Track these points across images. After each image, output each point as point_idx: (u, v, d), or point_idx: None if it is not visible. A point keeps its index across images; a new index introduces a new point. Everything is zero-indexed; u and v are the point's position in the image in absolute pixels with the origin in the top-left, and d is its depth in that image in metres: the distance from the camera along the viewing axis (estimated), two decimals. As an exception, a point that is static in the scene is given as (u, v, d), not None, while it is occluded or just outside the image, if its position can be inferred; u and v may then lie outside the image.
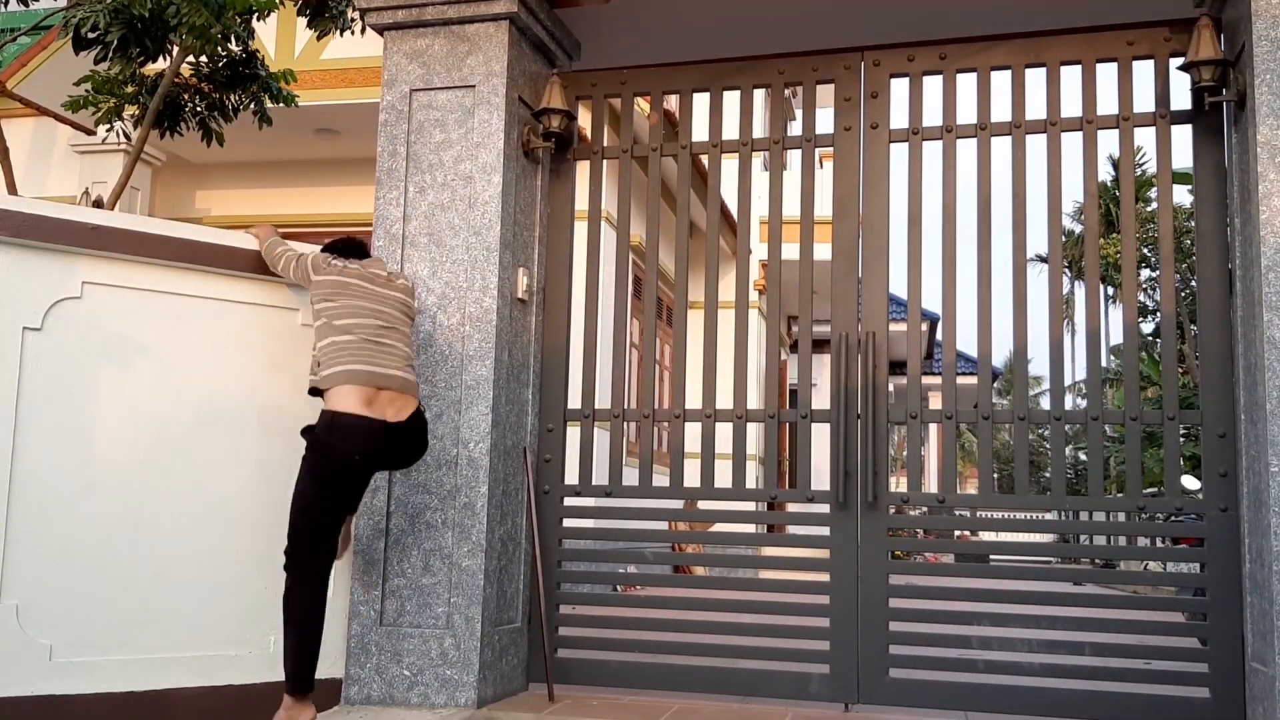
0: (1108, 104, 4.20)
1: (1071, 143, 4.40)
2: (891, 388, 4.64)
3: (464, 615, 4.06)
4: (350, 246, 3.91)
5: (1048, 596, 4.16)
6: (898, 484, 6.65)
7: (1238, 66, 3.92)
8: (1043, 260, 27.76)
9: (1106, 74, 4.44)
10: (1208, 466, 3.97)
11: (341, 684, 4.09)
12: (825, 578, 4.25)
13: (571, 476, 4.64)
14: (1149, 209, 21.17)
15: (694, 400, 4.64)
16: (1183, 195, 18.93)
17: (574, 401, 4.65)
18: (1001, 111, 4.31)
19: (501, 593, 4.25)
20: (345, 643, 4.12)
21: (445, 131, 4.42)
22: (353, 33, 6.01)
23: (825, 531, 4.29)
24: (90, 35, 5.02)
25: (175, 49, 5.55)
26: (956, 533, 9.65)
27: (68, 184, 9.31)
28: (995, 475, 5.06)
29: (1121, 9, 4.20)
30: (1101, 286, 12.50)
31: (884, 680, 4.12)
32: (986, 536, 16.38)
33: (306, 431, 3.62)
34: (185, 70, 5.97)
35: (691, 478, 4.50)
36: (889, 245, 4.40)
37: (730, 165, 8.39)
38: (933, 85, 4.45)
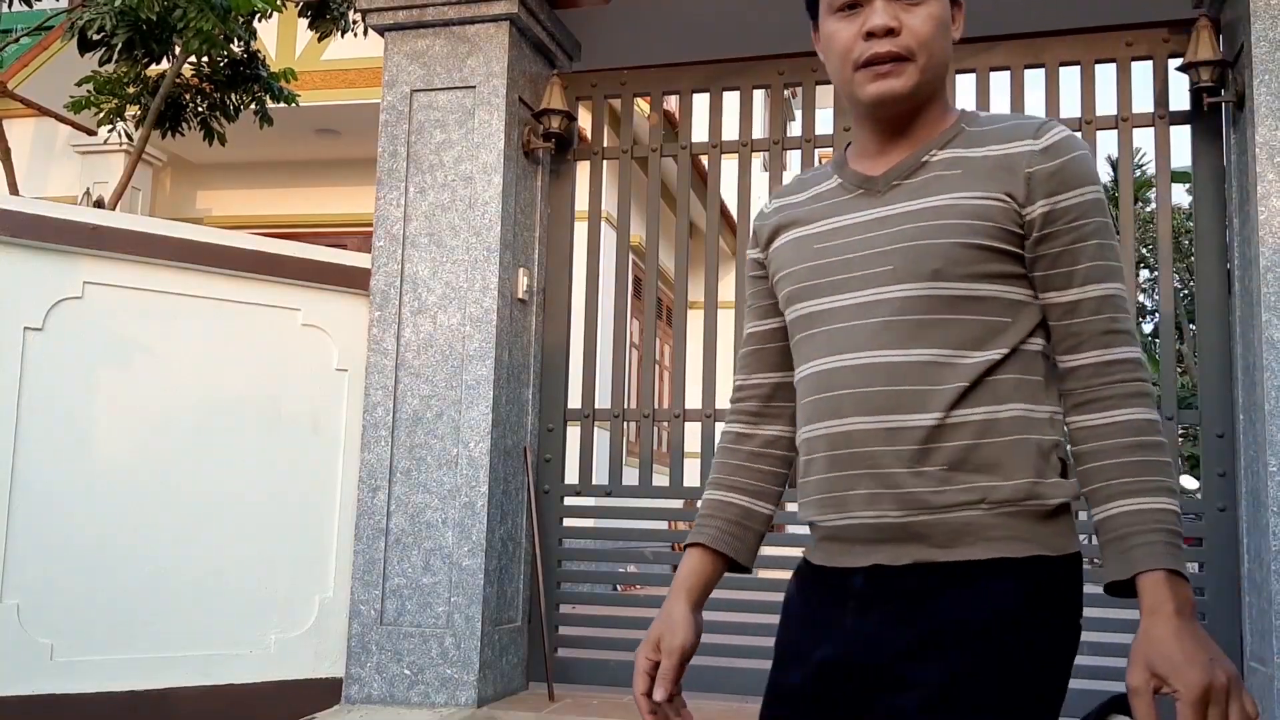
0: (1107, 105, 4.21)
1: (1071, 143, 4.40)
2: (891, 388, 4.63)
3: (464, 615, 4.06)
4: None
5: (1047, 596, 4.16)
6: (897, 484, 6.61)
7: (1236, 67, 3.92)
8: (1043, 261, 27.72)
9: (1105, 75, 4.44)
10: (1206, 466, 3.97)
11: (342, 683, 4.10)
12: (825, 577, 4.25)
13: (571, 476, 4.64)
14: (1148, 209, 21.16)
15: (694, 400, 4.64)
16: (1182, 195, 18.97)
17: (574, 401, 4.66)
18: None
19: (501, 592, 4.26)
20: (345, 642, 4.13)
21: (446, 132, 4.43)
22: (354, 34, 6.01)
23: (825, 531, 4.28)
24: (96, 37, 5.03)
25: (178, 50, 5.56)
26: (956, 533, 9.61)
27: (69, 184, 9.30)
28: (994, 475, 4.99)
29: (1120, 9, 4.20)
30: (1101, 287, 12.43)
31: (883, 680, 4.12)
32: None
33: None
34: (186, 71, 5.98)
35: (691, 478, 4.50)
36: (888, 245, 4.39)
37: (730, 165, 8.38)
38: (932, 86, 4.45)
